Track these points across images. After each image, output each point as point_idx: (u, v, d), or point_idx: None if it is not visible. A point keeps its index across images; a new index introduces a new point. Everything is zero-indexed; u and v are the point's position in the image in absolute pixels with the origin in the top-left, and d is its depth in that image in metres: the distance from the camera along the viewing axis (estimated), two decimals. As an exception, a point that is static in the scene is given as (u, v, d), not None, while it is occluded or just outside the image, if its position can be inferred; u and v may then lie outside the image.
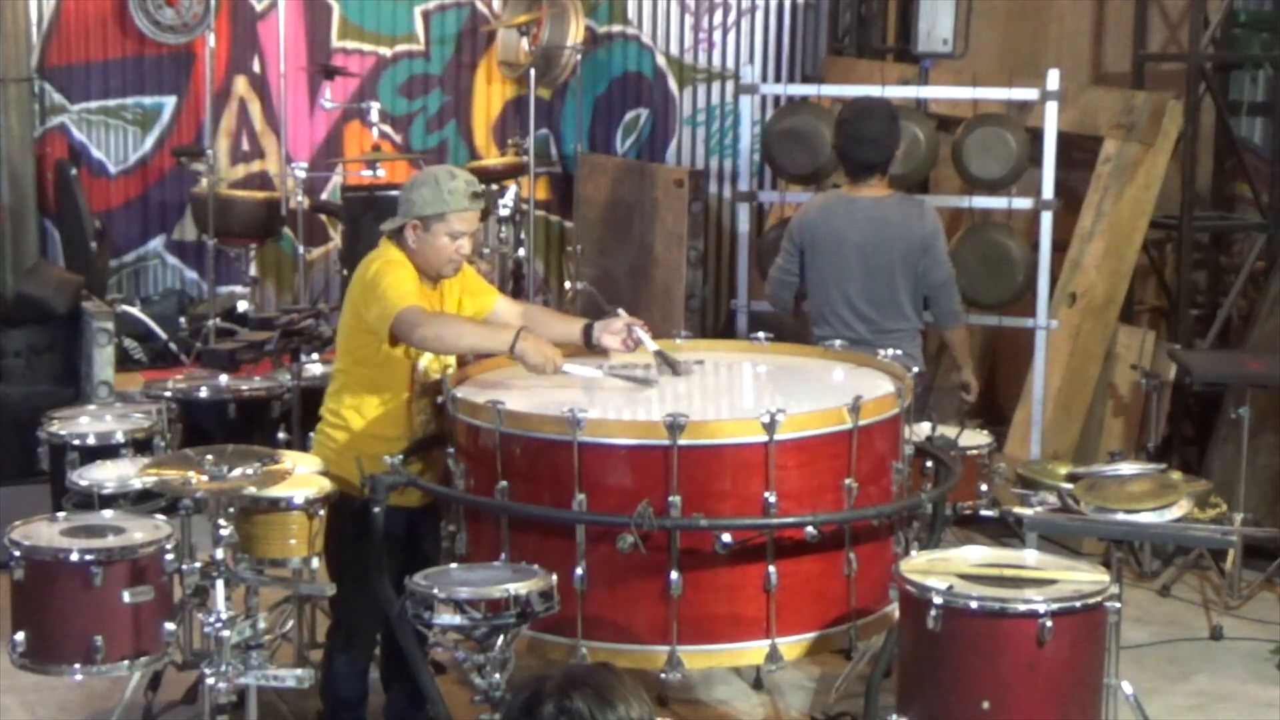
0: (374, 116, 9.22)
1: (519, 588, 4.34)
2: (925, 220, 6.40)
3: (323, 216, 9.65)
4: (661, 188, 9.23)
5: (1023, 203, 7.62)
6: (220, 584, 4.58)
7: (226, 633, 4.56)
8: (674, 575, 4.69)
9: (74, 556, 4.88)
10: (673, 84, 10.44)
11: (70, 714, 5.85)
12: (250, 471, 4.65)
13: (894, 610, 4.74)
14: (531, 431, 4.80)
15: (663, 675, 4.81)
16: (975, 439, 6.12)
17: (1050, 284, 7.61)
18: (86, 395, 7.55)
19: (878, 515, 4.97)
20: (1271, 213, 8.23)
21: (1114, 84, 8.64)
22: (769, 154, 8.14)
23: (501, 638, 4.32)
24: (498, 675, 4.33)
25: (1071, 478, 5.43)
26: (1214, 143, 8.64)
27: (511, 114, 10.14)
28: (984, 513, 6.07)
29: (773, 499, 4.70)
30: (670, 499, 4.64)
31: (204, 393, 6.41)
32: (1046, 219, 7.49)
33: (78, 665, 4.91)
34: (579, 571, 4.73)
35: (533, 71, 9.40)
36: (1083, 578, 4.55)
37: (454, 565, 4.76)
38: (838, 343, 5.91)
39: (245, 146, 9.72)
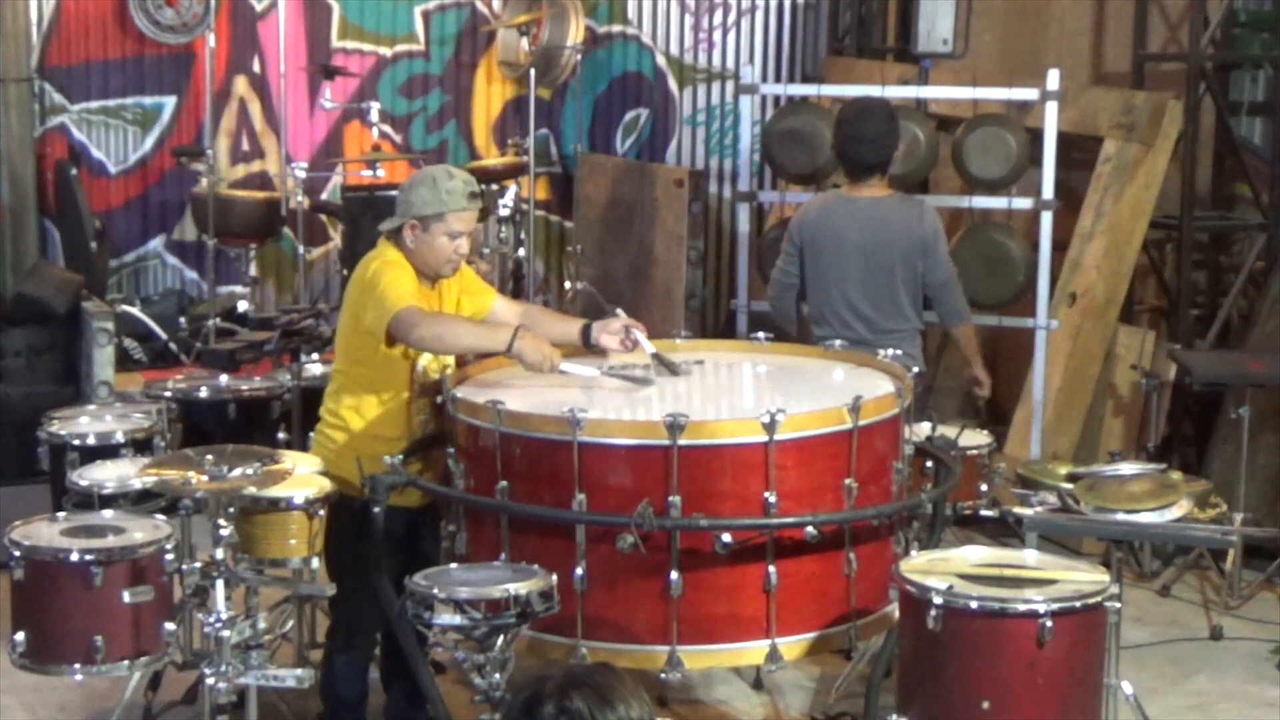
0: (374, 116, 9.23)
1: (519, 588, 4.34)
2: (925, 221, 6.40)
3: (323, 216, 9.65)
4: (661, 188, 9.23)
5: (1023, 203, 7.62)
6: (220, 584, 4.58)
7: (226, 633, 4.56)
8: (674, 575, 4.69)
9: (74, 556, 4.88)
10: (673, 84, 10.45)
11: (70, 714, 5.85)
12: (250, 471, 4.65)
13: (894, 610, 4.73)
14: (531, 431, 4.80)
15: (663, 675, 4.82)
16: (975, 439, 6.12)
17: (1050, 284, 7.62)
18: (86, 395, 7.55)
19: (878, 515, 4.97)
20: (1271, 213, 8.23)
21: (1114, 84, 8.64)
22: (769, 154, 8.14)
23: (501, 638, 4.32)
24: (498, 675, 4.33)
25: (1071, 478, 5.43)
26: (1214, 143, 8.64)
27: (511, 114, 10.14)
28: (984, 513, 6.07)
29: (773, 499, 4.70)
30: (670, 499, 4.64)
31: (204, 393, 6.42)
32: (1046, 219, 7.50)
33: (78, 665, 4.91)
34: (579, 571, 4.73)
35: (533, 71, 9.40)
36: (1083, 578, 4.55)
37: (454, 565, 4.76)
38: (838, 343, 5.91)
39: (245, 146, 9.72)
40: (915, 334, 6.46)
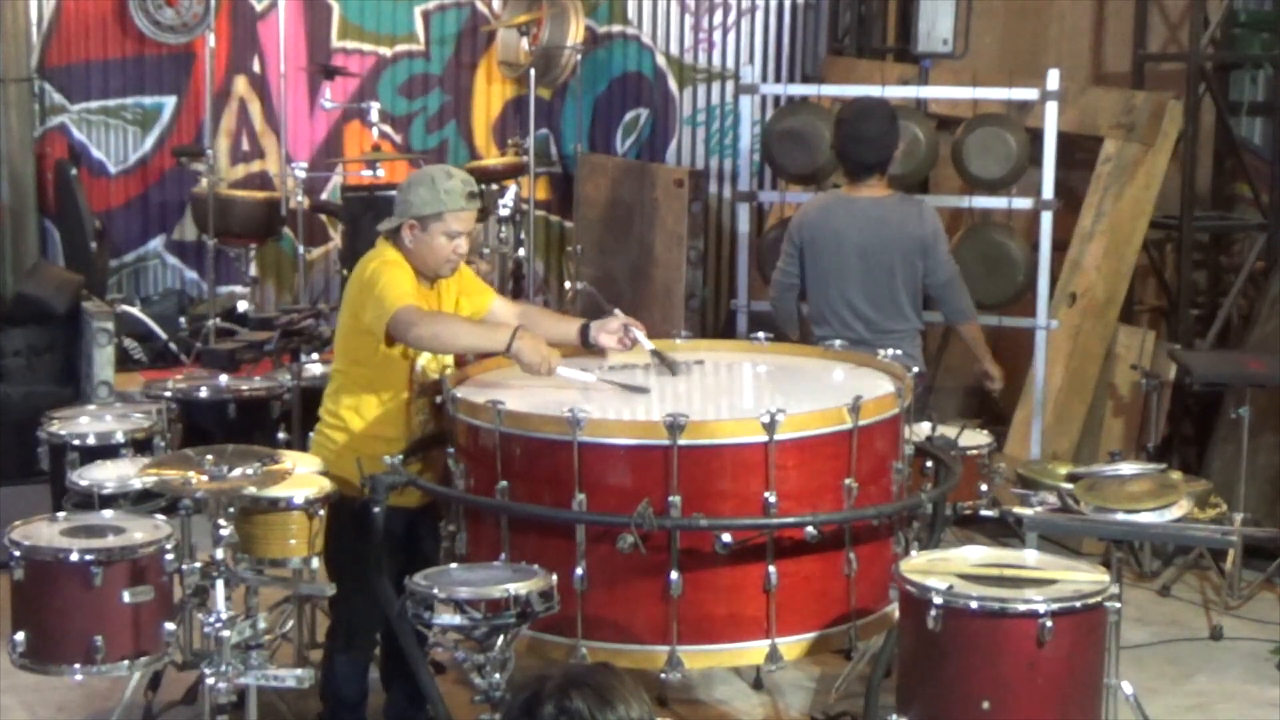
0: (374, 116, 9.23)
1: (519, 588, 4.34)
2: (925, 222, 6.40)
3: (323, 216, 9.65)
4: (661, 188, 9.23)
5: (1023, 203, 7.62)
6: (220, 584, 4.58)
7: (226, 633, 4.56)
8: (674, 575, 4.69)
9: (74, 556, 4.88)
10: (673, 84, 10.44)
11: (70, 714, 5.85)
12: (250, 471, 4.65)
13: (894, 610, 4.74)
14: (531, 431, 4.80)
15: (663, 675, 4.82)
16: (975, 439, 6.12)
17: (1050, 284, 7.62)
18: (86, 395, 7.55)
19: (878, 515, 4.97)
20: (1271, 213, 8.24)
21: (1114, 84, 8.65)
22: (769, 154, 8.14)
23: (501, 638, 4.32)
24: (498, 675, 4.33)
25: (1071, 478, 5.43)
26: (1214, 143, 8.64)
27: (511, 114, 10.14)
28: (984, 513, 6.07)
29: (773, 499, 4.70)
30: (670, 499, 4.64)
31: (204, 393, 6.41)
32: (1046, 219, 7.50)
33: (78, 665, 4.91)
34: (579, 571, 4.73)
35: (533, 71, 9.40)
36: (1083, 578, 4.55)
37: (454, 565, 4.76)
38: (838, 343, 5.91)
39: (245, 146, 9.72)
40: (915, 334, 6.46)
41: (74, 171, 9.10)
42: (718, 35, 10.46)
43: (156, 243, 9.65)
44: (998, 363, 6.75)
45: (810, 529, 4.75)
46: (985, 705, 4.35)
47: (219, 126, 9.56)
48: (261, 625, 4.68)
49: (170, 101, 9.56)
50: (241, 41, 9.59)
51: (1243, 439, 7.02)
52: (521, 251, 9.30)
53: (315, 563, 5.16)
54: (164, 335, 9.06)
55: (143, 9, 9.28)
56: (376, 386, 5.20)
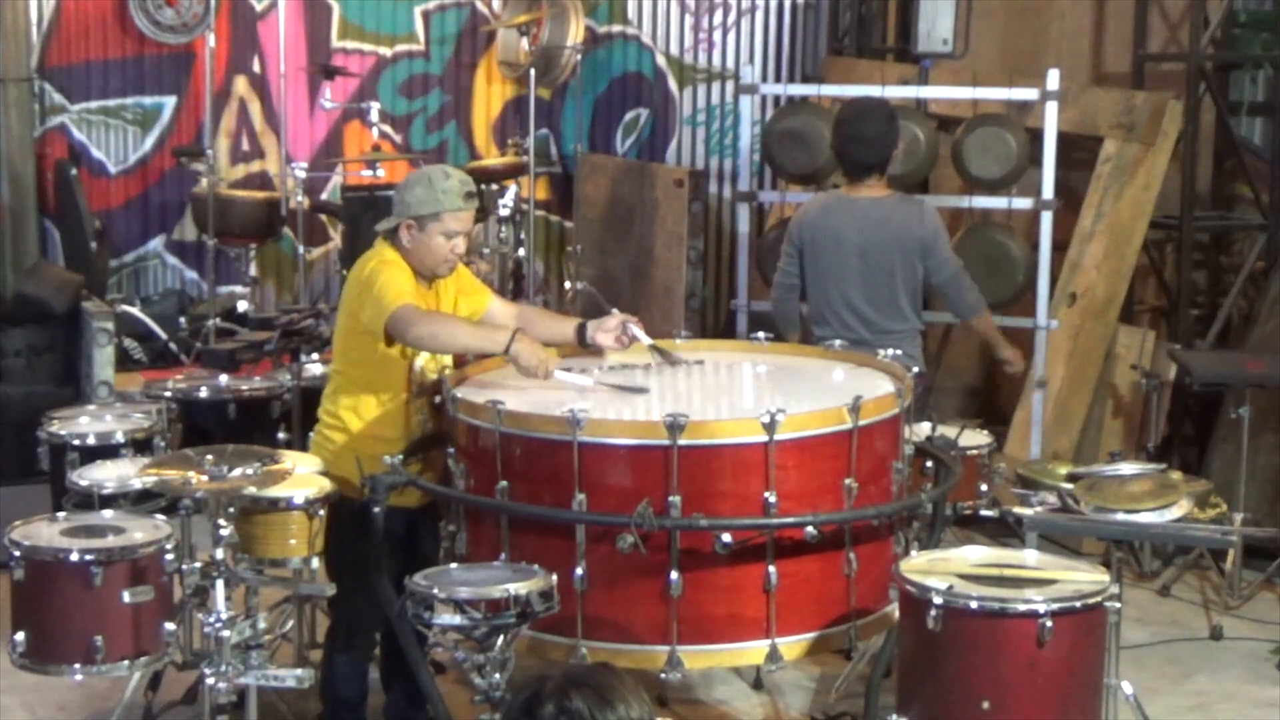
0: (374, 116, 9.22)
1: (519, 588, 4.34)
2: (925, 221, 6.40)
3: (323, 216, 9.65)
4: (661, 188, 9.23)
5: (1023, 203, 7.62)
6: (220, 584, 4.58)
7: (226, 633, 4.56)
8: (674, 575, 4.69)
9: (74, 556, 4.88)
10: (673, 84, 10.45)
11: (70, 714, 5.85)
12: (250, 471, 4.65)
13: (894, 610, 4.74)
14: (531, 431, 4.80)
15: (663, 675, 4.82)
16: (975, 439, 6.12)
17: (1050, 284, 7.61)
18: (86, 395, 7.55)
19: (878, 515, 4.97)
20: (1271, 213, 8.23)
21: (1114, 84, 8.65)
22: (769, 154, 8.14)
23: (501, 638, 4.32)
24: (498, 675, 4.33)
25: (1071, 478, 5.43)
26: (1214, 143, 8.64)
27: (511, 114, 10.14)
28: (984, 513, 6.07)
29: (773, 499, 4.70)
30: (670, 499, 4.64)
31: (204, 393, 6.41)
32: (1046, 219, 7.50)
33: (78, 665, 4.91)
34: (579, 571, 4.73)
35: (533, 71, 9.40)
36: (1083, 578, 4.55)
37: (454, 565, 4.76)
38: (838, 343, 5.91)
39: (245, 146, 9.72)
40: (915, 334, 6.46)
41: (74, 171, 9.10)
42: (718, 35, 10.46)
43: (156, 243, 9.65)
44: (988, 369, 6.76)
45: (810, 529, 4.75)
46: (985, 705, 4.35)
47: (219, 126, 9.56)
48: (261, 625, 4.68)
49: (170, 101, 9.56)
50: (241, 41, 9.59)
51: (1243, 439, 7.02)
52: (521, 251, 9.30)
53: (315, 563, 5.16)
54: (164, 335, 9.06)
55: (143, 9, 9.28)
56: (375, 387, 5.20)
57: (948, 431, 5.88)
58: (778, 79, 10.39)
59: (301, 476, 5.01)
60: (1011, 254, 7.71)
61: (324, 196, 9.68)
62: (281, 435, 6.16)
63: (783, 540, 4.76)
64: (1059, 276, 7.94)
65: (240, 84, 9.65)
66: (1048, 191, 7.47)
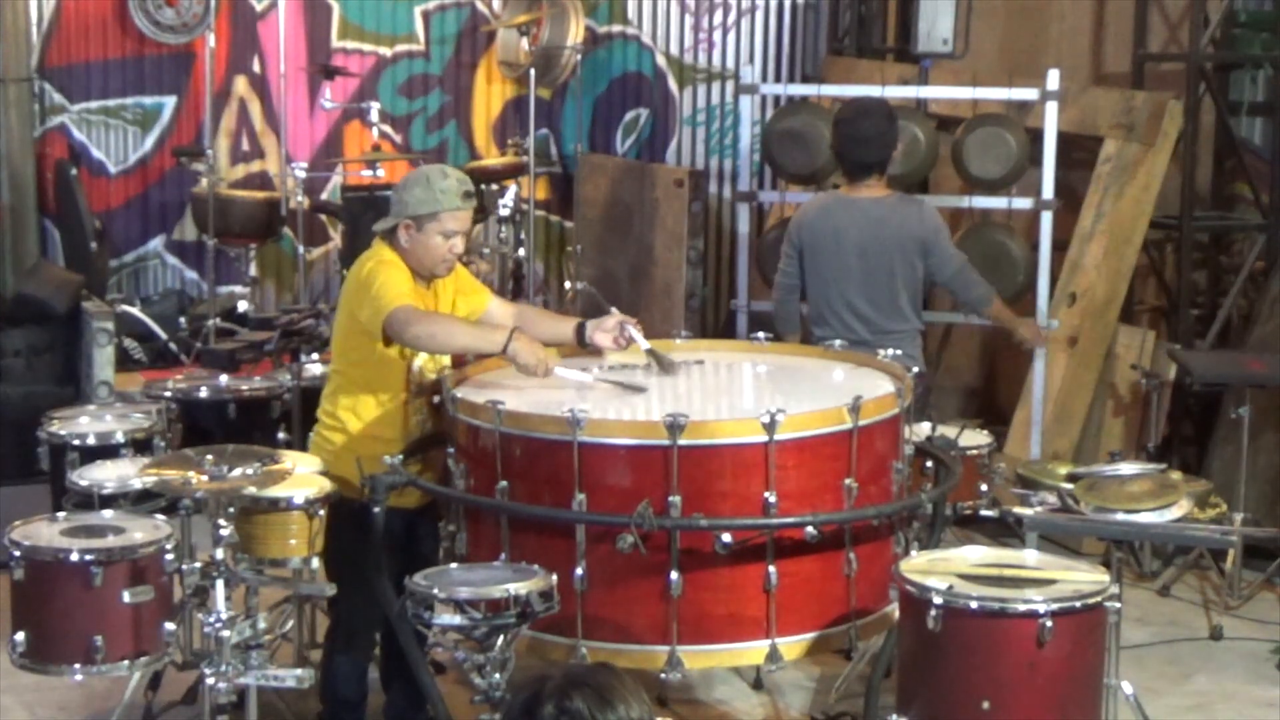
0: (374, 116, 9.23)
1: (519, 588, 4.34)
2: (925, 221, 6.41)
3: (323, 216, 9.65)
4: (661, 188, 9.23)
5: (1023, 203, 7.62)
6: (220, 584, 4.59)
7: (226, 633, 4.56)
8: (674, 575, 4.69)
9: (74, 556, 4.88)
10: (673, 84, 10.44)
11: (70, 714, 5.85)
12: (250, 471, 4.65)
13: (894, 610, 4.73)
14: (531, 431, 4.80)
15: (663, 675, 4.81)
16: (975, 439, 6.13)
17: (1050, 284, 7.61)
18: (86, 395, 7.55)
19: (878, 515, 4.97)
20: (1271, 213, 8.23)
21: (1114, 84, 8.64)
22: (769, 154, 8.14)
23: (501, 638, 4.32)
24: (498, 675, 4.33)
25: (1071, 478, 5.43)
26: (1214, 143, 8.64)
27: (511, 114, 10.14)
28: (984, 513, 6.07)
29: (773, 499, 4.70)
30: (670, 499, 4.64)
31: (204, 393, 6.41)
32: (1046, 219, 7.50)
33: (78, 665, 4.91)
34: (579, 571, 4.73)
35: (533, 71, 9.40)
36: (1083, 578, 4.55)
37: (454, 565, 4.76)
38: (838, 343, 5.91)
39: (245, 146, 9.72)
40: (915, 334, 6.47)
41: (74, 171, 9.09)
42: (718, 35, 10.46)
43: (156, 243, 9.65)
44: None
45: (810, 529, 4.75)
46: (985, 705, 4.35)
47: (219, 126, 9.56)
48: (261, 625, 4.68)
49: (170, 101, 9.56)
50: (241, 41, 9.59)
51: (1243, 439, 7.02)
52: (521, 251, 9.30)
53: (315, 563, 5.16)
54: (164, 335, 9.06)
55: (143, 9, 9.27)
56: (374, 387, 5.20)
57: (948, 431, 5.88)
58: (778, 79, 10.39)
59: (301, 476, 5.01)
60: (1011, 254, 7.71)
61: (324, 196, 9.68)
62: (281, 435, 6.16)
63: (783, 540, 4.76)
64: (1059, 276, 7.93)
65: (240, 84, 9.65)
66: (1048, 191, 7.47)
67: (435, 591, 4.34)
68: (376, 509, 4.90)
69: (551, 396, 4.99)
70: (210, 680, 4.60)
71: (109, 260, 9.31)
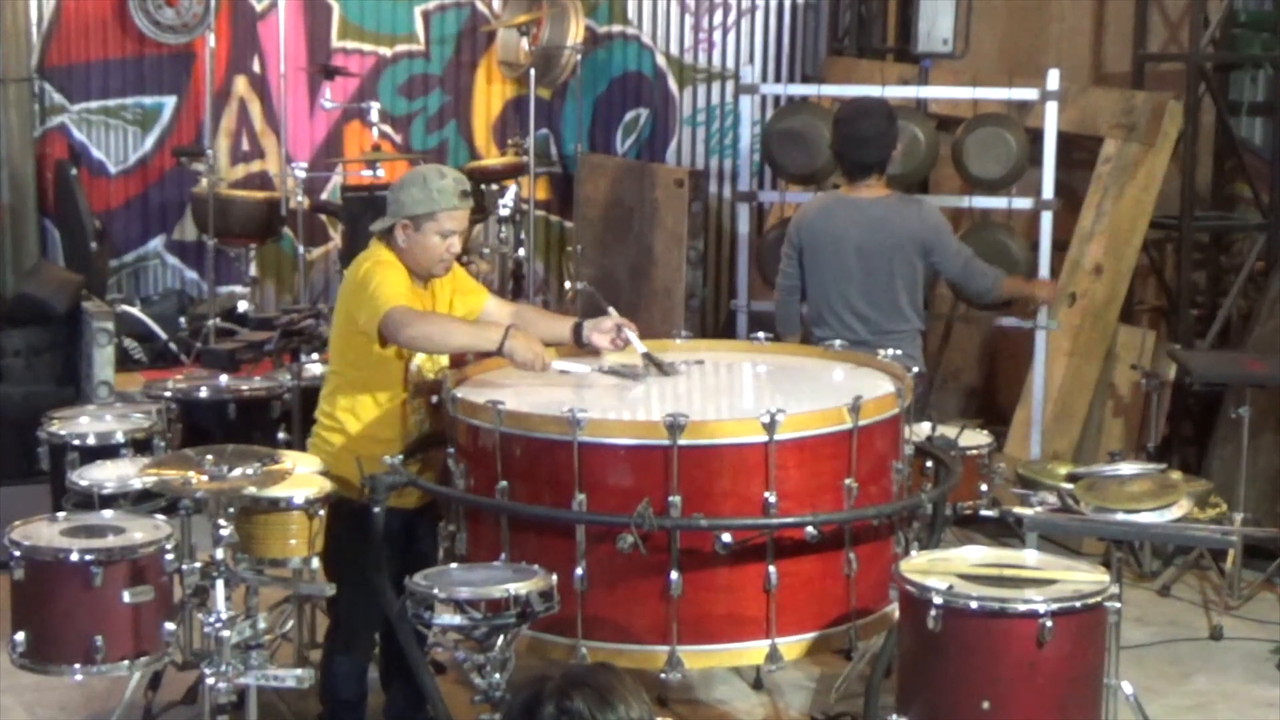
0: (374, 116, 9.23)
1: (519, 588, 4.34)
2: (925, 220, 6.41)
3: (323, 216, 9.65)
4: (661, 188, 9.24)
5: (1023, 203, 7.62)
6: (220, 584, 4.58)
7: (226, 633, 4.56)
8: (674, 575, 4.69)
9: (74, 556, 4.88)
10: (673, 84, 10.45)
11: (70, 714, 5.85)
12: (250, 471, 4.65)
13: (894, 610, 4.73)
14: (531, 431, 4.80)
15: (663, 675, 4.81)
16: (975, 439, 6.13)
17: (1050, 284, 7.62)
18: (86, 395, 7.55)
19: (878, 515, 4.97)
20: (1271, 213, 8.23)
21: (1114, 84, 8.64)
22: (769, 154, 8.14)
23: (501, 638, 4.31)
24: (498, 675, 4.32)
25: (1071, 478, 5.43)
26: (1214, 143, 8.64)
27: (511, 114, 10.14)
28: (984, 513, 6.07)
29: (773, 499, 4.70)
30: (670, 499, 4.64)
31: (204, 393, 6.41)
32: (1046, 219, 7.50)
33: (78, 665, 4.91)
34: (579, 571, 4.73)
35: (533, 71, 9.40)
36: (1083, 578, 4.55)
37: (454, 565, 4.76)
38: (838, 343, 5.91)
39: (245, 146, 9.72)
40: (915, 334, 6.47)
41: (74, 171, 9.10)
42: (718, 35, 10.46)
43: (156, 243, 9.66)
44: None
45: (810, 529, 4.75)
46: (985, 705, 4.35)
47: (219, 126, 9.56)
48: (261, 625, 4.68)
49: (170, 101, 9.56)
50: (241, 41, 9.59)
51: (1243, 439, 7.02)
52: (521, 251, 9.30)
53: (315, 563, 5.16)
54: (164, 335, 9.07)
55: (143, 9, 9.28)
56: (372, 387, 5.20)
57: (948, 431, 5.88)
58: (778, 79, 10.39)
59: (301, 476, 5.01)
60: (1011, 254, 7.70)
61: (324, 196, 9.68)
62: (281, 435, 6.16)
63: (783, 540, 4.75)
64: (1059, 276, 7.93)
65: (240, 84, 9.66)
66: (1048, 191, 7.47)
67: (435, 591, 4.34)
68: (376, 509, 4.90)
69: (551, 396, 4.99)
70: (210, 680, 4.60)
71: (109, 260, 9.31)
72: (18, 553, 4.94)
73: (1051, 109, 7.40)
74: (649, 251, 9.29)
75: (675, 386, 5.30)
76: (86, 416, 6.14)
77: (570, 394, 5.07)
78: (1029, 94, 7.57)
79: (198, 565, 4.91)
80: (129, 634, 4.89)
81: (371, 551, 4.95)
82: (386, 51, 9.95)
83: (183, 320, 9.24)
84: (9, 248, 8.76)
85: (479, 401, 4.93)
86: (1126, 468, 5.41)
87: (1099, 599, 4.46)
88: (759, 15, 10.46)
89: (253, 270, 9.27)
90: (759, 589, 4.75)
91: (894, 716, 4.54)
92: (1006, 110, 7.89)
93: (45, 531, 5.06)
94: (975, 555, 4.76)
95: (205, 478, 4.58)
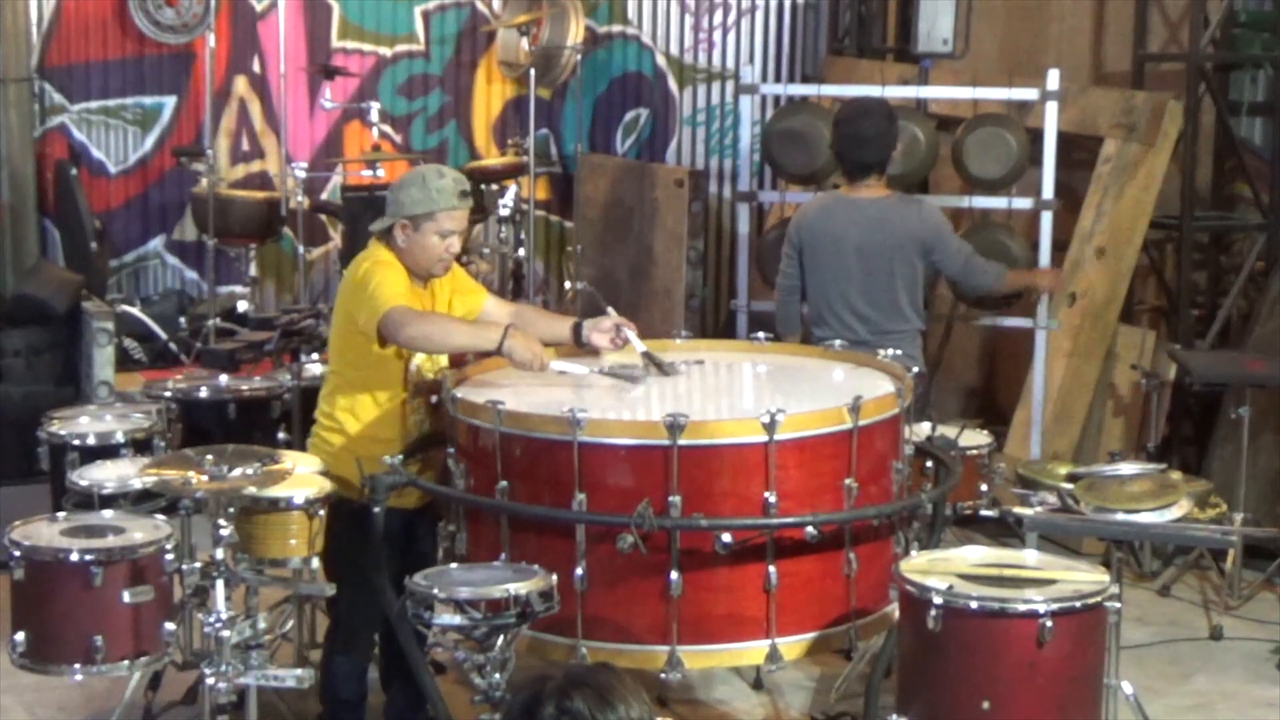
0: (374, 116, 9.23)
1: (519, 588, 4.34)
2: (925, 220, 6.41)
3: (323, 216, 9.66)
4: (661, 188, 9.24)
5: (1023, 203, 7.61)
6: (220, 584, 4.58)
7: (226, 633, 4.56)
8: (674, 575, 4.69)
9: (74, 556, 4.88)
10: (673, 84, 10.45)
11: (70, 714, 5.85)
12: (250, 471, 4.65)
13: (894, 610, 4.73)
14: (531, 431, 4.80)
15: (663, 675, 4.81)
16: (975, 439, 6.13)
17: (1050, 284, 7.62)
18: (86, 395, 7.55)
19: (878, 515, 4.97)
20: (1271, 213, 8.23)
21: (1114, 84, 8.64)
22: (769, 154, 8.14)
23: (501, 638, 4.31)
24: (498, 675, 4.32)
25: (1071, 478, 5.43)
26: (1214, 143, 8.64)
27: (511, 114, 10.14)
28: (984, 513, 6.07)
29: (773, 499, 4.70)
30: (670, 499, 4.64)
31: (204, 393, 6.41)
32: (1046, 219, 7.49)
33: (78, 665, 4.91)
34: (579, 571, 4.73)
35: (533, 71, 9.40)
36: (1083, 578, 4.55)
37: (454, 565, 4.76)
38: (838, 343, 5.91)
39: (245, 146, 9.72)
40: (915, 334, 6.47)
41: (74, 171, 9.10)
42: (718, 35, 10.46)
43: (156, 243, 9.66)
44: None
45: (810, 529, 4.75)
46: (985, 705, 4.35)
47: (219, 126, 9.56)
48: (261, 625, 4.68)
49: (170, 101, 9.56)
50: (241, 41, 9.60)
51: (1243, 439, 7.02)
52: (521, 251, 9.30)
53: (315, 563, 5.16)
54: (164, 335, 9.07)
55: (143, 9, 9.28)
56: (371, 387, 5.20)
57: (948, 431, 5.88)
58: (778, 79, 10.39)
59: (301, 476, 5.01)
60: (1011, 254, 7.70)
61: (324, 196, 9.68)
62: (281, 435, 6.16)
63: (783, 540, 4.75)
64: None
65: (240, 84, 9.66)
66: (1048, 191, 7.47)
67: (435, 591, 4.34)
68: (377, 509, 4.90)
69: (551, 396, 4.99)
70: (210, 680, 4.60)
71: (109, 260, 9.31)
72: (18, 553, 4.94)
73: (1051, 109, 7.40)
74: (649, 251, 9.29)
75: (675, 386, 5.30)
76: (86, 416, 6.14)
77: (570, 394, 5.06)
78: (1029, 94, 7.57)
79: (198, 565, 4.91)
80: (129, 634, 4.89)
81: (371, 551, 4.95)
82: (386, 51, 9.95)
83: (183, 320, 9.24)
84: (9, 248, 8.76)
85: (479, 401, 4.93)
86: (1126, 468, 5.41)
87: (1099, 599, 4.46)
88: (759, 15, 10.46)
89: (253, 270, 9.27)
90: (759, 589, 4.75)
91: (894, 716, 4.54)
92: (1006, 110, 7.89)
93: (45, 531, 5.06)
94: (975, 555, 4.76)
95: (205, 478, 4.59)
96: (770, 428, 4.66)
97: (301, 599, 5.65)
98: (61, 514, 5.30)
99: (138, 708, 5.55)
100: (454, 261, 5.30)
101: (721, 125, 10.50)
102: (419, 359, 5.21)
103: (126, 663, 4.94)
